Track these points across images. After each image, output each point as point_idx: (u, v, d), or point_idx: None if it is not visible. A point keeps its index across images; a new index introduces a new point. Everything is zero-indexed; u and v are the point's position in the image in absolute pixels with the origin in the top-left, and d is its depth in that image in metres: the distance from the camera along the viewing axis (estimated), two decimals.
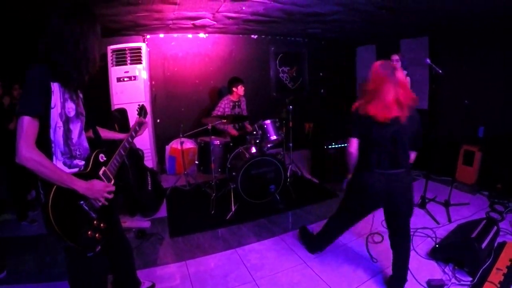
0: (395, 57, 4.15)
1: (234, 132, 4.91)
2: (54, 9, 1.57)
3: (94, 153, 1.79)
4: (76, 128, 1.72)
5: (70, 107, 1.67)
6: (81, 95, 1.79)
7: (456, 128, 5.17)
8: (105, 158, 1.83)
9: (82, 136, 1.79)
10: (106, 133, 2.09)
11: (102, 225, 1.72)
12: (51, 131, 1.58)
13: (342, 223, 2.81)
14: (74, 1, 1.60)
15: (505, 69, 4.61)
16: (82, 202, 1.62)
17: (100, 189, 1.66)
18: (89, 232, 1.64)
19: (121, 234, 2.23)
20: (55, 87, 1.56)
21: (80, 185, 1.57)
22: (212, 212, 4.03)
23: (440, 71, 3.62)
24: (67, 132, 1.67)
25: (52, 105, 1.55)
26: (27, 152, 1.42)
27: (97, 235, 1.68)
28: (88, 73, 1.68)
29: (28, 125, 1.44)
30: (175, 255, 3.15)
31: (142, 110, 2.25)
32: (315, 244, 3.05)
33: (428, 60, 3.68)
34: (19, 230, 3.79)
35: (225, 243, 3.37)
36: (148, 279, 2.64)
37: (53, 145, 1.61)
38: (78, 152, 1.73)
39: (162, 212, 4.14)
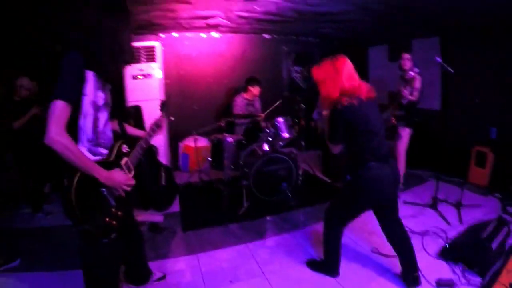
0: (406, 55, 4.13)
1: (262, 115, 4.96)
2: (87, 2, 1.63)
3: (119, 143, 1.86)
4: (103, 117, 1.78)
5: (100, 96, 1.72)
6: (109, 86, 1.84)
7: (468, 128, 5.07)
8: (128, 149, 1.90)
9: (108, 126, 1.84)
10: (130, 129, 2.18)
11: (119, 213, 1.78)
12: (81, 117, 1.64)
13: (340, 227, 2.61)
14: None
15: None
16: (103, 189, 1.68)
17: (120, 180, 1.72)
18: (107, 219, 1.70)
19: (134, 224, 2.29)
20: (89, 75, 1.62)
21: (102, 174, 1.63)
22: (224, 208, 4.08)
23: (451, 70, 3.58)
24: (96, 120, 1.72)
25: (85, 92, 1.62)
26: (57, 135, 1.46)
27: (113, 222, 1.74)
28: (124, 65, 1.78)
29: (61, 110, 1.48)
30: (187, 249, 3.21)
31: (164, 106, 2.30)
32: (329, 264, 2.71)
33: (439, 59, 3.64)
34: (34, 222, 3.91)
35: (236, 238, 3.40)
36: (159, 271, 2.69)
37: (80, 131, 1.66)
38: (102, 141, 1.79)
39: (175, 207, 4.20)
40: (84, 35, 1.59)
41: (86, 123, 1.67)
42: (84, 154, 1.61)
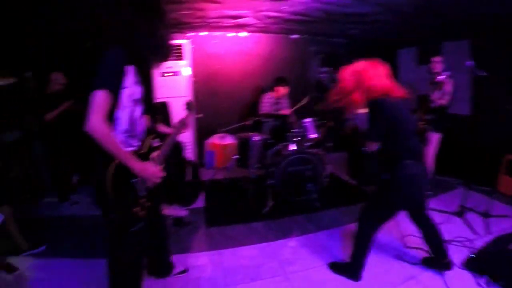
0: (437, 58, 4.00)
1: (287, 111, 4.96)
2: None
3: (150, 137, 1.94)
4: (138, 111, 1.85)
5: (137, 91, 1.80)
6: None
7: (499, 136, 4.78)
8: (158, 144, 1.97)
9: (141, 119, 1.91)
10: (159, 125, 2.26)
11: (147, 204, 1.85)
12: (119, 109, 1.71)
13: (375, 229, 2.56)
14: None
15: None
16: (135, 179, 1.74)
17: (152, 173, 1.78)
18: (136, 209, 1.77)
19: (160, 217, 2.33)
20: (130, 69, 1.70)
21: (136, 165, 1.70)
22: (249, 206, 4.08)
23: (484, 73, 3.43)
24: (132, 113, 1.80)
25: (125, 85, 1.69)
26: (97, 123, 1.54)
27: (142, 212, 1.80)
28: (164, 59, 1.88)
29: (103, 99, 1.56)
30: (210, 244, 3.22)
31: (189, 106, 2.36)
32: (353, 268, 2.64)
33: (470, 62, 3.49)
34: (60, 211, 4.07)
35: (259, 236, 3.39)
36: (182, 265, 2.72)
37: (117, 122, 1.73)
38: (136, 133, 1.86)
39: (200, 203, 4.24)
40: (125, 31, 1.68)
41: (123, 115, 1.74)
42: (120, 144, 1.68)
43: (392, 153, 2.34)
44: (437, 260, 2.65)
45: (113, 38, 1.68)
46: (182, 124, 2.22)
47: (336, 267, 2.77)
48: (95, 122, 1.54)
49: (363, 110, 2.38)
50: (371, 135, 2.35)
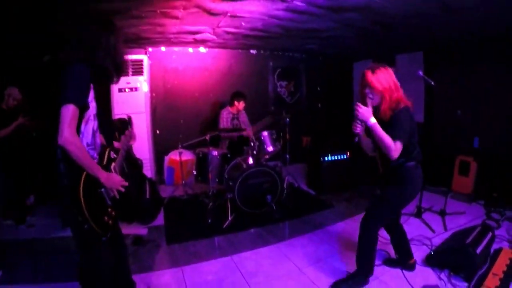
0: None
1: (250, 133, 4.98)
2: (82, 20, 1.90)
3: (108, 150, 2.00)
4: (95, 125, 1.91)
5: (94, 106, 1.86)
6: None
7: (451, 139, 5.26)
8: (115, 156, 2.04)
9: (97, 133, 1.96)
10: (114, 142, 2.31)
11: (113, 213, 1.92)
12: (83, 123, 1.78)
13: (378, 229, 2.63)
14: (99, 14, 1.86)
15: (497, 82, 4.74)
16: (102, 189, 1.83)
17: (116, 181, 1.88)
18: (106, 218, 1.84)
19: (120, 231, 2.32)
20: (91, 85, 1.78)
21: (103, 175, 1.79)
22: (209, 221, 4.06)
23: (432, 83, 3.72)
24: (94, 126, 1.88)
25: (89, 100, 1.77)
26: (71, 136, 1.62)
27: (110, 221, 1.88)
28: (122, 75, 1.98)
29: (73, 113, 1.63)
30: (171, 261, 3.17)
31: (129, 122, 2.46)
32: (365, 273, 2.65)
33: (421, 72, 3.77)
34: (16, 234, 3.83)
35: (221, 250, 3.40)
36: (144, 283, 2.66)
37: (82, 136, 1.78)
38: (96, 146, 1.93)
39: (160, 220, 4.15)
40: (87, 49, 1.77)
41: (86, 129, 1.81)
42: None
43: (404, 155, 2.35)
44: (403, 261, 2.83)
45: (76, 55, 1.75)
46: (128, 138, 2.28)
47: (344, 283, 2.66)
48: (68, 135, 1.60)
49: (372, 122, 2.31)
50: (402, 137, 2.27)
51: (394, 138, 2.23)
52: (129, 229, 3.74)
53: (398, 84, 2.35)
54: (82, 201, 1.66)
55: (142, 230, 3.75)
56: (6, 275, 2.89)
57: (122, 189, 1.91)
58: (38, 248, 3.44)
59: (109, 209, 1.89)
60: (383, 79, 2.30)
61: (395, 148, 2.23)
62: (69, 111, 1.61)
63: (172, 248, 3.45)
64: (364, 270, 2.63)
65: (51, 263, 3.06)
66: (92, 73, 1.75)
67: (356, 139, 2.41)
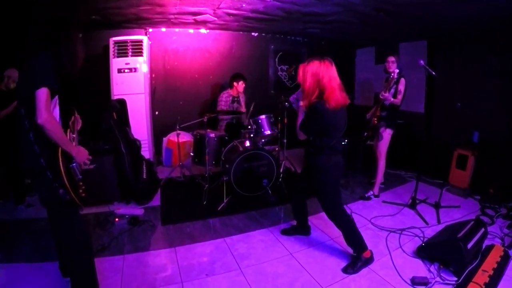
0: (391, 58, 4.18)
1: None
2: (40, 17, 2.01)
3: (67, 130, 2.13)
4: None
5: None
6: None
7: (450, 132, 5.22)
8: (73, 136, 2.18)
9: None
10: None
11: (83, 187, 2.06)
12: (52, 106, 1.88)
13: (342, 206, 2.92)
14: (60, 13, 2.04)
15: (500, 76, 4.68)
16: (74, 164, 2.01)
17: (84, 155, 2.09)
18: (81, 191, 2.00)
19: None
20: None
21: (74, 150, 1.99)
22: (205, 203, 4.12)
23: (434, 73, 3.68)
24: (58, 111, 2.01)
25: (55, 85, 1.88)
26: (49, 116, 1.77)
27: (83, 194, 2.02)
28: (74, 69, 2.07)
29: (47, 95, 1.78)
30: (166, 242, 3.24)
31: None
32: (361, 247, 2.84)
33: (422, 62, 3.72)
34: (15, 214, 3.88)
35: (215, 232, 3.46)
36: (138, 263, 2.72)
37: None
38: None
39: (156, 201, 4.23)
40: (51, 39, 1.92)
41: (55, 111, 1.96)
42: None
43: (318, 146, 2.68)
44: (304, 226, 3.36)
45: (43, 45, 1.90)
46: (72, 123, 2.33)
47: (353, 265, 2.81)
48: (46, 114, 1.75)
49: (302, 103, 2.68)
50: (304, 128, 2.70)
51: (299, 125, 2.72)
52: (126, 209, 3.80)
53: (329, 78, 2.52)
54: (63, 171, 1.86)
55: (138, 211, 3.81)
56: (5, 254, 2.95)
57: (88, 163, 2.11)
58: (37, 227, 3.48)
59: (81, 183, 2.04)
60: (306, 71, 2.59)
61: (298, 132, 2.76)
62: (44, 93, 1.75)
63: (167, 229, 3.52)
64: (361, 247, 2.82)
65: (50, 242, 3.09)
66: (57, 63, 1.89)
67: (287, 104, 2.68)
